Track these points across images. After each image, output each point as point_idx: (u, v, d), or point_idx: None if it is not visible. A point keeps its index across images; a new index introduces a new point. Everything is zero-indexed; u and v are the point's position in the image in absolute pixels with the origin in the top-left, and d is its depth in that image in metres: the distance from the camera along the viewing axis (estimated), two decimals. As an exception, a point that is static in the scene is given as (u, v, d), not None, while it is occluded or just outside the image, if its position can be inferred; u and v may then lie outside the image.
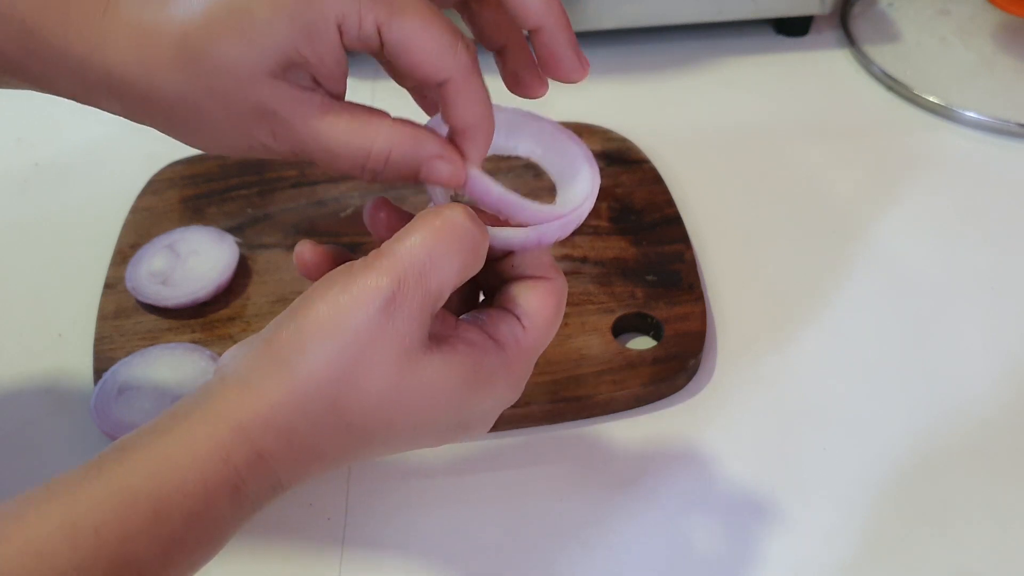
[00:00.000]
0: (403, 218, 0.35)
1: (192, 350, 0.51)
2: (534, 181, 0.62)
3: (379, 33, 0.31)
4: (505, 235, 0.34)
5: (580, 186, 0.38)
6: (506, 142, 0.39)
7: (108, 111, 0.34)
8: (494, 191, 0.34)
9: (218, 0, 0.30)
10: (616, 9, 0.73)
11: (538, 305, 0.34)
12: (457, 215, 0.32)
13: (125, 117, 0.34)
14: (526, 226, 0.35)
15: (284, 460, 0.31)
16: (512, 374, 0.35)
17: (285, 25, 0.30)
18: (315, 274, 0.34)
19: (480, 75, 0.33)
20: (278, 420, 0.31)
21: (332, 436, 0.31)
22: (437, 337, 0.32)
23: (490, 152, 0.37)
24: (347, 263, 0.32)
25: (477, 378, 0.33)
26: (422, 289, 0.31)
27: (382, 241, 0.32)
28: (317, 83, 0.32)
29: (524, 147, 0.39)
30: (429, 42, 0.31)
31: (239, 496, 0.30)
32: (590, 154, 0.39)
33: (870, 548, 0.46)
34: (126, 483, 0.29)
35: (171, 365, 0.51)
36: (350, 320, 0.30)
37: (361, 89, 0.74)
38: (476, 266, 0.33)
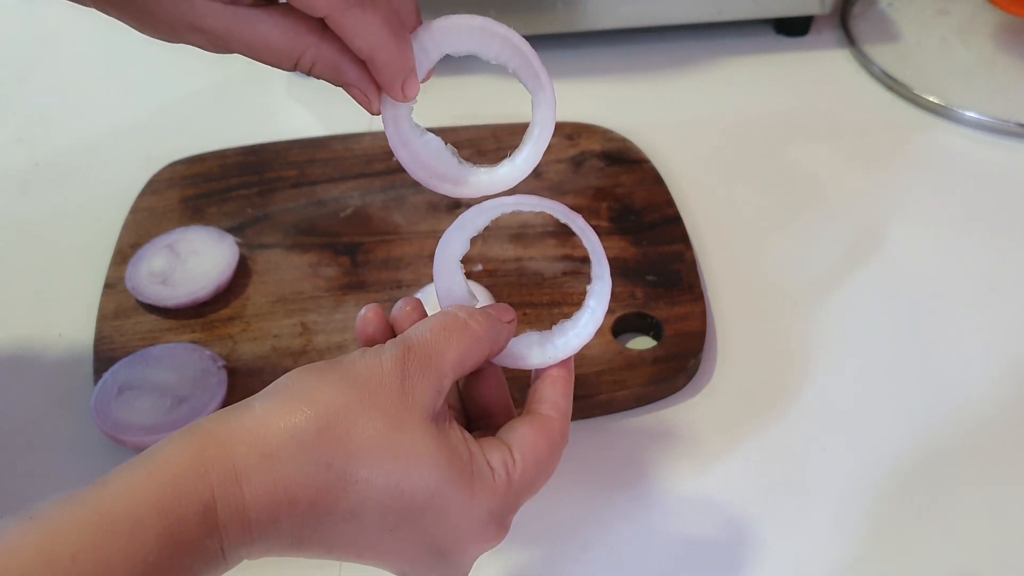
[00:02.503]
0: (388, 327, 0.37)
1: (192, 350, 0.51)
2: (534, 181, 0.63)
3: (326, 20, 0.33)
4: (516, 352, 0.37)
5: (543, 111, 0.43)
6: (480, 47, 0.42)
7: None
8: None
9: None
10: (616, 9, 0.73)
11: (531, 442, 0.34)
12: (460, 313, 0.35)
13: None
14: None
15: (258, 490, 0.30)
16: (496, 503, 0.33)
17: None
18: (375, 339, 0.36)
19: (367, 8, 0.34)
20: (264, 439, 0.30)
21: (312, 472, 0.30)
22: (438, 420, 0.33)
23: (467, 52, 0.41)
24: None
25: (463, 475, 0.32)
26: (431, 363, 0.33)
27: (368, 341, 0.36)
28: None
29: (496, 55, 0.42)
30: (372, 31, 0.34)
31: (209, 522, 0.29)
32: (546, 72, 0.43)
33: (870, 547, 0.46)
34: (105, 506, 0.28)
35: (171, 365, 0.51)
36: (362, 369, 0.32)
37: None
38: (478, 356, 0.35)
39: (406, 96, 0.38)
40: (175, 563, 0.29)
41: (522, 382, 0.39)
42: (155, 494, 0.29)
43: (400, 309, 0.37)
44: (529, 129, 0.43)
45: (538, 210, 0.38)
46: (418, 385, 0.32)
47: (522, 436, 0.34)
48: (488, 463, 0.33)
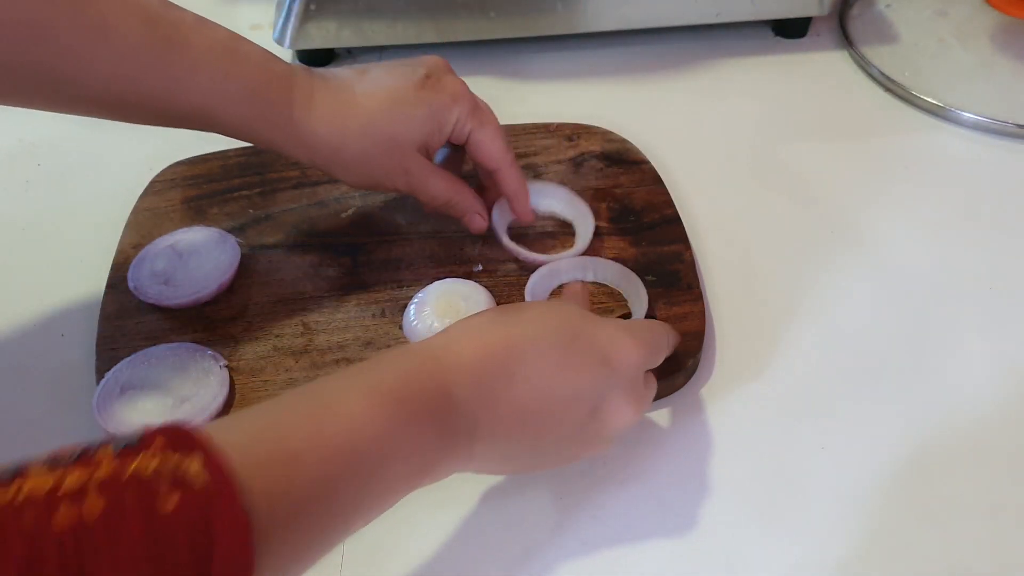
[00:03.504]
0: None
1: (194, 350, 0.52)
2: (534, 181, 0.63)
3: (469, 133, 0.54)
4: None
5: (585, 227, 0.59)
6: (539, 199, 0.61)
7: (298, 159, 0.52)
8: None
9: (390, 95, 0.51)
10: (616, 11, 0.73)
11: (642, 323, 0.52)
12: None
13: (309, 163, 0.53)
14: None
15: (467, 351, 0.40)
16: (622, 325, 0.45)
17: (429, 122, 0.52)
18: None
19: (519, 167, 0.56)
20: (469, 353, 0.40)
21: (500, 330, 0.41)
22: None
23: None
24: None
25: (609, 331, 0.43)
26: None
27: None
28: (429, 154, 0.54)
29: (552, 205, 0.61)
30: (495, 144, 0.55)
31: (445, 399, 0.38)
32: (587, 208, 0.60)
33: (869, 547, 0.46)
34: (372, 380, 0.38)
35: (173, 365, 0.51)
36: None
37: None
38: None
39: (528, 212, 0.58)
40: (412, 423, 0.37)
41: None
42: (394, 374, 0.39)
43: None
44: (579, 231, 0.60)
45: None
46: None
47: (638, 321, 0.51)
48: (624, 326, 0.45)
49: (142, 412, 0.49)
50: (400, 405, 0.37)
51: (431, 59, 0.54)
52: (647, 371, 0.45)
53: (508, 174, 0.55)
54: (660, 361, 0.46)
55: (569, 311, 0.43)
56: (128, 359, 0.51)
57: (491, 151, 0.54)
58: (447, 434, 0.38)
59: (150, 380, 0.50)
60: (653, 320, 0.52)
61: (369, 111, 0.51)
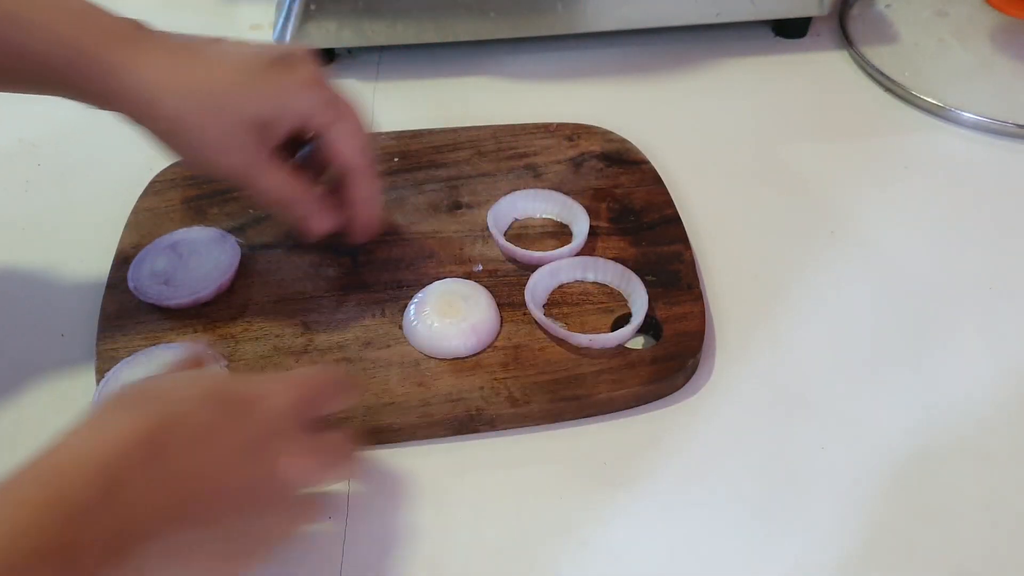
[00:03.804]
0: None
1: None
2: (534, 181, 0.63)
3: (320, 128, 0.48)
4: None
5: (580, 226, 0.59)
6: (535, 204, 0.61)
7: (130, 121, 0.47)
8: None
9: (236, 66, 0.47)
10: (616, 11, 0.73)
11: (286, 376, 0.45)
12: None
13: (137, 126, 0.47)
14: None
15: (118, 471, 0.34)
16: (275, 402, 0.41)
17: (271, 101, 0.47)
18: None
19: (375, 174, 0.51)
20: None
21: (152, 426, 0.36)
22: None
23: (524, 216, 0.61)
24: None
25: (254, 388, 0.41)
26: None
27: None
28: (270, 139, 0.48)
29: (546, 209, 0.61)
30: (349, 143, 0.49)
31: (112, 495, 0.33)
32: (580, 208, 0.60)
33: (869, 546, 0.46)
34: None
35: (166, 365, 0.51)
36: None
37: (364, 89, 0.74)
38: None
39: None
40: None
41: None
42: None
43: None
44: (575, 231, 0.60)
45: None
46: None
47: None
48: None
49: None
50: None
51: (298, 48, 0.50)
52: (338, 431, 0.42)
53: (359, 179, 0.51)
54: (325, 409, 0.43)
55: (213, 376, 0.41)
56: (128, 359, 0.51)
57: (343, 150, 0.49)
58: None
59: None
60: (324, 367, 0.49)
61: (209, 76, 0.46)
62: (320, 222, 0.51)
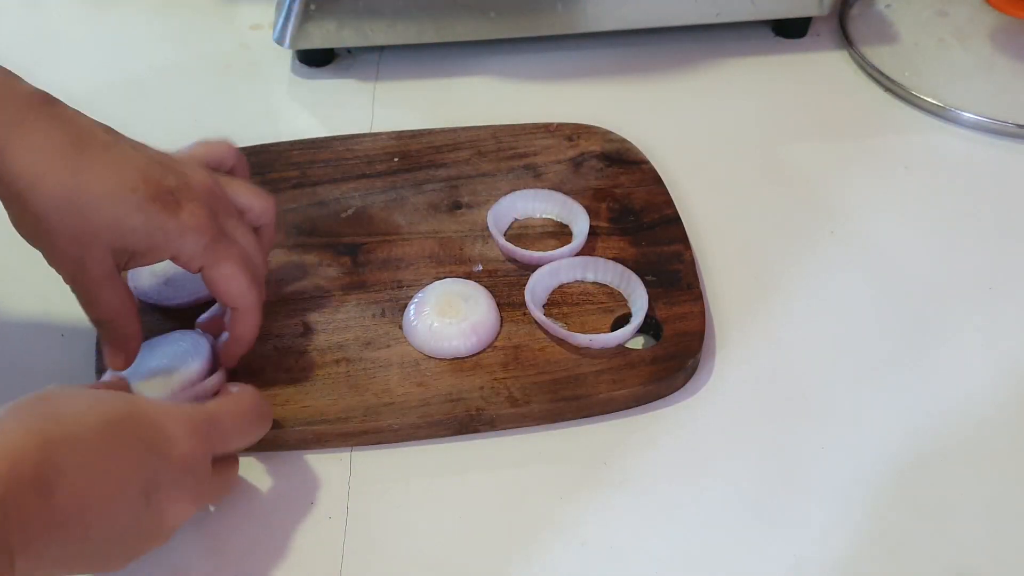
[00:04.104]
0: None
1: (182, 334, 0.52)
2: (534, 181, 0.63)
3: (200, 270, 0.47)
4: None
5: (580, 226, 0.59)
6: (535, 204, 0.61)
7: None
8: None
9: (119, 182, 0.43)
10: (616, 11, 0.73)
11: (220, 399, 0.45)
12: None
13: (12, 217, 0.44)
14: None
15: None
16: (180, 428, 0.41)
17: (141, 238, 0.44)
18: None
19: (258, 311, 0.49)
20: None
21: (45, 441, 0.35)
22: None
23: (524, 216, 0.61)
24: None
25: (157, 412, 0.41)
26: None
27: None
28: (125, 264, 0.46)
29: (546, 210, 0.61)
30: (231, 285, 0.47)
31: None
32: (580, 207, 0.60)
33: (869, 546, 0.46)
34: None
35: (170, 354, 0.51)
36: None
37: (364, 89, 0.74)
38: None
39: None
40: None
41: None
42: None
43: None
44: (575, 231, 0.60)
45: None
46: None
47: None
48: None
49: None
50: None
51: (202, 165, 0.48)
52: (223, 457, 0.44)
53: (240, 318, 0.49)
54: (231, 448, 0.44)
55: (121, 399, 0.39)
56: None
57: (225, 291, 0.47)
58: None
59: (147, 368, 0.50)
60: (239, 396, 0.45)
61: (90, 185, 0.43)
62: (120, 356, 0.48)
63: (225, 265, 0.46)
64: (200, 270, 0.47)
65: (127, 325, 0.47)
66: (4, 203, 0.44)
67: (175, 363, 0.50)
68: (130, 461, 0.38)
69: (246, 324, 0.49)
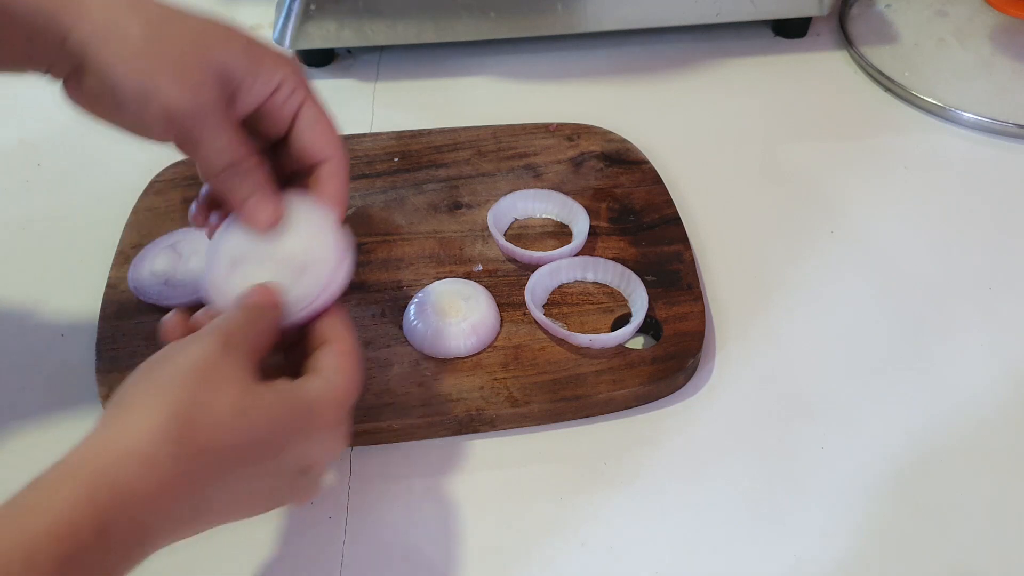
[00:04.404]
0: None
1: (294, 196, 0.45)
2: (534, 181, 0.63)
3: (298, 107, 0.42)
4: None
5: (580, 226, 0.59)
6: (535, 204, 0.60)
7: (80, 50, 0.39)
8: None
9: (211, 20, 0.40)
10: (616, 11, 0.73)
11: (335, 361, 0.40)
12: (252, 296, 0.41)
13: (74, 96, 0.41)
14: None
15: (147, 491, 0.32)
16: (331, 413, 0.38)
17: (245, 57, 0.40)
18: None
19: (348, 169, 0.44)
20: (138, 450, 0.33)
21: (189, 457, 0.33)
22: (262, 376, 0.38)
23: (524, 216, 0.60)
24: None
25: (302, 406, 0.37)
26: (247, 337, 0.38)
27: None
28: (233, 102, 0.40)
29: (546, 209, 0.61)
30: (329, 125, 0.42)
31: (107, 539, 0.31)
32: (580, 207, 0.60)
33: (869, 546, 0.46)
34: None
35: (304, 239, 0.43)
36: (192, 355, 0.36)
37: (364, 89, 0.74)
38: (275, 325, 0.40)
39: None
40: None
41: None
42: (46, 522, 0.30)
43: (170, 318, 0.41)
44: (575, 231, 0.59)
45: None
46: (242, 361, 0.37)
47: (329, 362, 0.39)
48: (314, 390, 0.38)
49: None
50: None
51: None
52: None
53: (339, 167, 0.43)
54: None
55: (268, 416, 0.36)
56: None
57: (319, 136, 0.42)
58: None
59: (268, 252, 0.42)
60: (350, 362, 0.40)
61: (182, 14, 0.40)
62: (268, 207, 0.41)
63: (319, 105, 0.42)
64: (297, 110, 0.41)
65: (259, 165, 0.41)
66: (95, 49, 0.38)
67: (310, 254, 0.42)
68: (270, 466, 0.37)
69: (345, 181, 0.43)
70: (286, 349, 0.42)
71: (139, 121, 0.40)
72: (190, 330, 0.40)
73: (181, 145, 0.40)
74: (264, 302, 0.40)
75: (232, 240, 0.42)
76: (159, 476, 0.33)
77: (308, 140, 0.42)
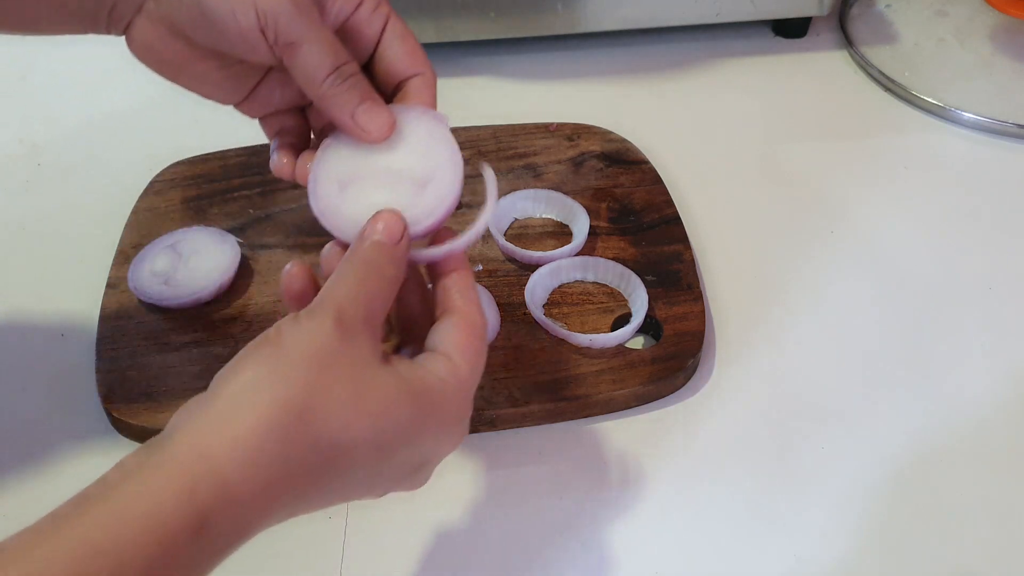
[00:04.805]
0: (314, 283, 0.38)
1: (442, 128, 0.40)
2: (534, 181, 0.63)
3: (384, 23, 0.39)
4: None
5: (580, 226, 0.58)
6: (535, 204, 0.61)
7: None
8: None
9: None
10: (616, 11, 0.73)
11: (462, 342, 0.36)
12: (371, 258, 0.36)
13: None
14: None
15: (252, 491, 0.30)
16: (456, 405, 0.35)
17: None
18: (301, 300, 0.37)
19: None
20: (245, 443, 0.30)
21: (300, 455, 0.30)
22: (385, 361, 0.34)
23: (524, 216, 0.60)
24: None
25: (424, 399, 0.34)
26: (363, 310, 0.33)
27: (295, 296, 0.37)
28: (322, 12, 0.37)
29: (546, 210, 0.61)
30: (415, 40, 0.40)
31: (204, 537, 0.29)
32: (580, 207, 0.59)
33: (868, 546, 0.46)
34: (85, 537, 0.27)
35: (419, 150, 0.39)
36: (306, 339, 0.32)
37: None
38: (394, 291, 0.36)
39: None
40: None
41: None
42: (139, 521, 0.28)
43: (328, 252, 0.39)
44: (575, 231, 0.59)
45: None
46: (360, 341, 0.33)
47: (454, 341, 0.36)
48: (438, 376, 0.34)
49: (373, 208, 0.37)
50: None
51: None
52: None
53: (431, 80, 0.40)
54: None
55: (388, 409, 0.33)
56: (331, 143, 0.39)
57: (413, 46, 0.39)
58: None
59: (381, 165, 0.38)
60: (473, 342, 0.36)
61: None
62: (382, 114, 0.37)
63: (402, 21, 0.40)
64: (384, 24, 0.39)
65: (359, 76, 0.37)
66: (160, 8, 0.37)
67: (427, 164, 0.37)
68: (393, 471, 0.34)
69: (435, 92, 0.40)
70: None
71: (228, 34, 0.36)
72: (313, 281, 0.37)
73: (279, 52, 0.36)
74: (389, 237, 0.36)
75: (335, 160, 0.38)
76: (266, 477, 0.30)
77: (397, 56, 0.39)
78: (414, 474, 0.36)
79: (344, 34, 0.39)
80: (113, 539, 0.27)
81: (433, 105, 0.40)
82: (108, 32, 0.39)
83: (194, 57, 0.39)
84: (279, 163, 0.42)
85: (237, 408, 0.30)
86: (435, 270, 0.38)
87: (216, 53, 0.38)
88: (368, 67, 0.40)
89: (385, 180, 0.37)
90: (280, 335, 0.32)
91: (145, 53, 0.39)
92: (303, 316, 0.33)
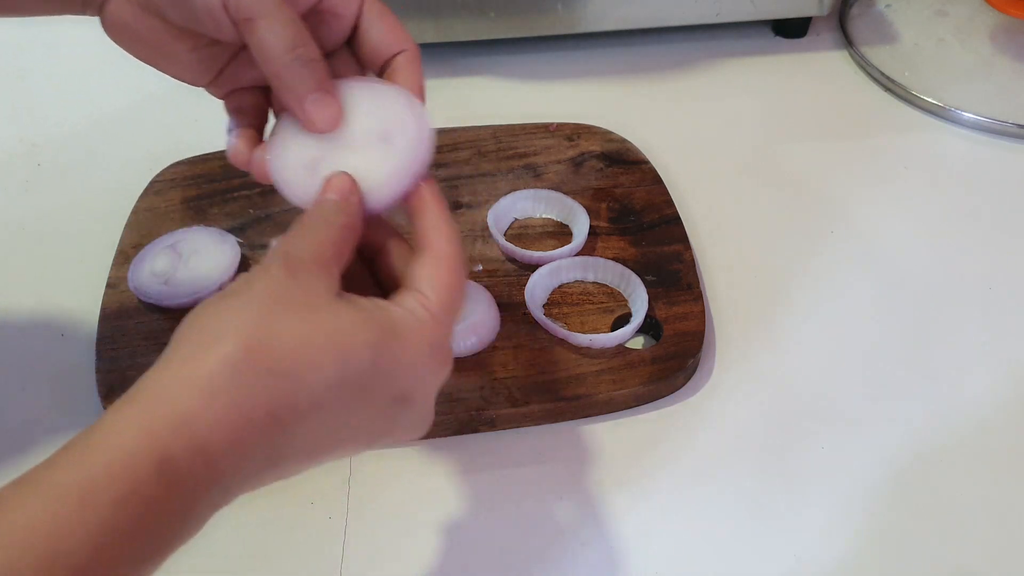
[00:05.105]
0: None
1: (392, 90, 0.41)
2: (534, 181, 0.63)
3: (362, 2, 0.39)
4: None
5: (580, 226, 0.58)
6: (535, 204, 0.60)
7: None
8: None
9: None
10: (616, 11, 0.73)
11: (432, 275, 0.36)
12: (323, 213, 0.36)
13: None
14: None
15: (213, 424, 0.30)
16: (428, 335, 0.35)
17: None
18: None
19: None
20: (198, 377, 0.30)
21: (257, 387, 0.30)
22: (341, 296, 0.34)
23: (524, 216, 0.60)
24: None
25: (388, 328, 0.33)
26: (310, 252, 0.34)
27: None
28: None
29: (546, 210, 0.61)
30: (395, 18, 0.39)
31: (169, 474, 0.29)
32: (580, 207, 0.60)
33: (869, 546, 0.46)
34: (54, 479, 0.28)
35: (375, 112, 0.39)
36: (258, 286, 0.32)
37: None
38: (351, 241, 0.36)
39: None
40: (136, 526, 0.28)
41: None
42: (103, 459, 0.28)
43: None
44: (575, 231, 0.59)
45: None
46: (310, 279, 0.33)
47: (424, 275, 0.36)
48: (405, 307, 0.34)
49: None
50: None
51: None
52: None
53: (415, 56, 0.40)
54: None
55: (345, 336, 0.32)
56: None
57: (393, 24, 0.39)
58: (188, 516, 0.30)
59: (353, 132, 0.38)
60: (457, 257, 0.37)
61: None
62: (332, 106, 0.37)
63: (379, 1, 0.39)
64: (360, 3, 0.39)
65: (316, 61, 0.37)
66: None
67: (387, 125, 0.38)
68: (370, 424, 0.34)
69: (420, 67, 0.40)
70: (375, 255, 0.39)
71: (197, 11, 0.36)
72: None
73: (241, 29, 0.36)
74: (339, 194, 0.36)
75: (296, 147, 0.38)
76: (222, 403, 0.30)
77: (378, 35, 0.39)
78: (400, 412, 0.35)
79: (319, 16, 0.39)
80: (79, 475, 0.28)
81: (420, 79, 0.40)
82: (84, 12, 0.40)
83: (167, 37, 0.39)
84: (235, 149, 0.41)
85: (192, 352, 0.31)
86: (408, 215, 0.38)
87: (189, 32, 0.38)
88: (353, 49, 0.40)
89: (351, 150, 0.38)
90: (234, 288, 0.33)
91: (119, 33, 0.39)
92: (253, 269, 0.33)
